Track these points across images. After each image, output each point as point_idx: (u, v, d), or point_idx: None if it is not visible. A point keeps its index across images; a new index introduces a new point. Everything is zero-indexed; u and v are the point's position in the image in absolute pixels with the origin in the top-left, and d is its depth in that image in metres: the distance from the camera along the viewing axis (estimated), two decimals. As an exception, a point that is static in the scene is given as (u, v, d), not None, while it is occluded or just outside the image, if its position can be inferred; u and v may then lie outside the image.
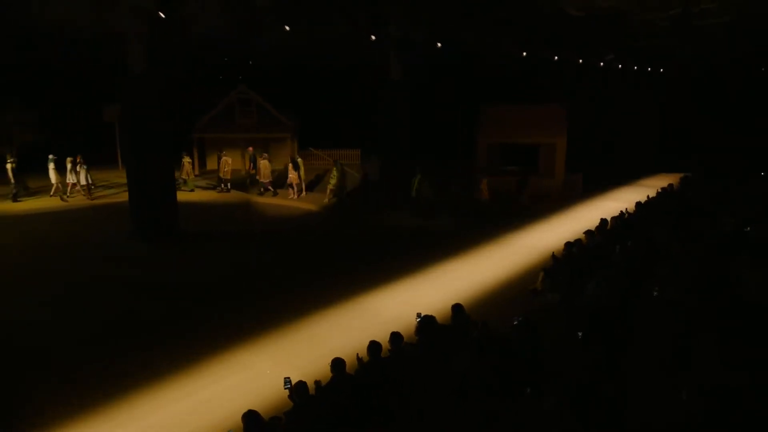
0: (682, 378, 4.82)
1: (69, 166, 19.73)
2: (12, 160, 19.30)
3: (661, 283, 8.11)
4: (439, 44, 19.22)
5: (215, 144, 26.05)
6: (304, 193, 21.67)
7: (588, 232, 12.03)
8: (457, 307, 7.36)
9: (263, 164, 21.61)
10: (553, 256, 11.28)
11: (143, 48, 15.25)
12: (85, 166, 19.88)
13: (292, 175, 21.21)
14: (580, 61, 23.99)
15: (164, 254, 15.25)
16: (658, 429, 4.40)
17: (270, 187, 21.73)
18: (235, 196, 22.03)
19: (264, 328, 10.26)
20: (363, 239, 16.67)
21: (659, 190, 17.14)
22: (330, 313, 11.00)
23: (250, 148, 23.45)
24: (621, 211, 13.92)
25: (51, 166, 19.59)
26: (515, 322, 6.43)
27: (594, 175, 23.12)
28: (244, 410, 7.32)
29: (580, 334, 5.90)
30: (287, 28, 17.79)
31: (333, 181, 20.82)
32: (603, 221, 12.71)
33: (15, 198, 19.38)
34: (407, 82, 22.18)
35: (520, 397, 4.73)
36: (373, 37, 18.93)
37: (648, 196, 16.75)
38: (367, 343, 8.81)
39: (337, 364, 6.15)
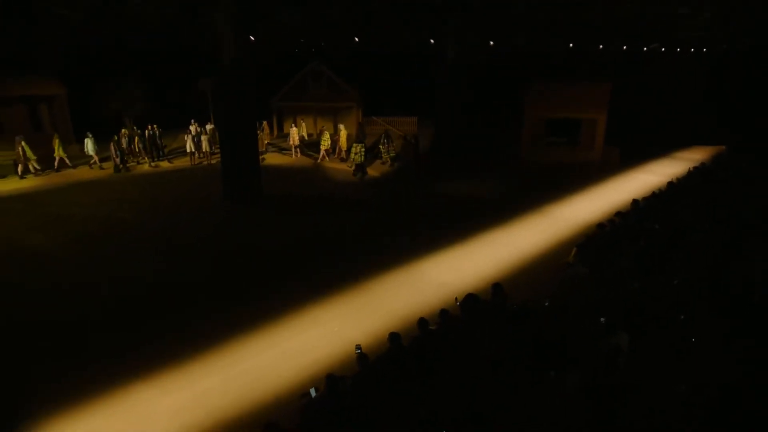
0: (683, 370, 5.15)
1: (192, 131, 20.89)
2: (126, 132, 20.42)
3: (676, 269, 8.19)
4: (491, 42, 18.82)
5: (291, 111, 27.00)
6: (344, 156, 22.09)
7: (619, 213, 12.08)
8: (496, 286, 7.58)
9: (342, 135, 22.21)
10: (587, 234, 11.50)
11: (233, 36, 15.85)
12: (206, 134, 21.13)
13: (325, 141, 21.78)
14: (624, 47, 22.84)
15: (251, 216, 15.82)
16: (656, 418, 4.68)
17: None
18: (304, 160, 22.43)
19: (334, 289, 10.71)
20: (417, 206, 16.90)
21: (691, 168, 16.60)
22: (390, 276, 11.45)
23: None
24: (653, 192, 13.74)
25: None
26: (546, 303, 6.84)
27: (632, 149, 22.45)
28: (317, 364, 8.10)
29: (603, 319, 6.26)
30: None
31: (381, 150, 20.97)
32: (635, 202, 12.65)
33: (122, 166, 19.96)
34: (462, 60, 22.00)
35: (546, 376, 5.22)
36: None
37: (674, 180, 16.26)
38: (420, 306, 9.48)
39: (394, 337, 6.54)
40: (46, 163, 19.47)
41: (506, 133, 24.95)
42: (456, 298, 7.28)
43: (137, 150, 21.14)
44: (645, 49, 24.77)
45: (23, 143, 18.44)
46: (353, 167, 20.36)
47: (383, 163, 21.62)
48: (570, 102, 21.59)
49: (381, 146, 21.95)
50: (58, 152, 19.45)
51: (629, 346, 5.54)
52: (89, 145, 19.32)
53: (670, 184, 14.63)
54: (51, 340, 9.20)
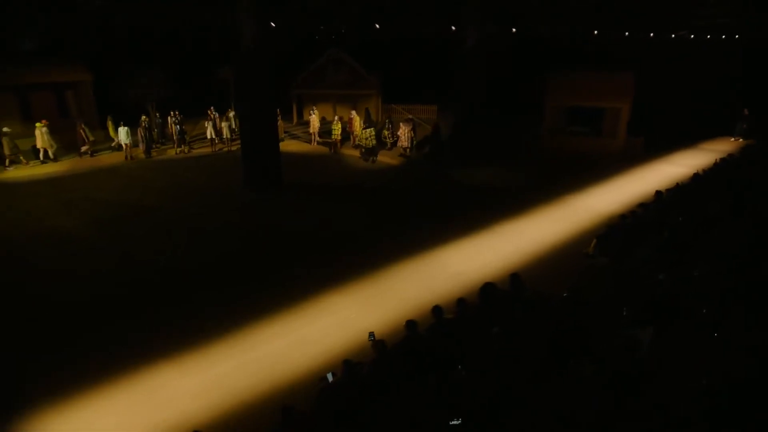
0: (705, 364, 5.05)
1: (214, 116, 21.10)
2: (147, 119, 20.68)
3: (700, 262, 8.03)
4: (513, 29, 18.51)
5: (310, 99, 26.97)
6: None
7: (642, 204, 11.85)
8: (514, 276, 7.56)
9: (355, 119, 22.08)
10: (608, 225, 11.32)
11: (253, 22, 15.83)
12: (227, 120, 21.31)
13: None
14: (651, 35, 22.20)
15: (270, 202, 15.92)
16: (677, 411, 4.60)
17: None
18: (321, 148, 22.34)
19: (350, 277, 10.78)
20: (435, 194, 16.82)
21: (718, 160, 16.16)
22: (406, 265, 11.46)
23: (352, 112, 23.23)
24: (677, 183, 13.44)
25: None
26: (565, 294, 6.77)
27: (656, 139, 21.93)
28: (332, 350, 8.17)
29: (625, 310, 6.16)
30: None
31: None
32: (658, 193, 12.40)
33: (148, 152, 20.20)
34: (483, 47, 21.64)
35: (564, 367, 5.19)
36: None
37: (700, 171, 15.83)
38: (437, 295, 9.45)
39: (411, 325, 6.56)
40: (72, 149, 19.81)
41: (527, 121, 24.57)
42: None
43: (156, 137, 21.40)
44: (673, 36, 24.04)
45: (83, 126, 19.41)
46: (363, 151, 20.32)
47: (389, 149, 21.47)
48: (593, 90, 21.15)
49: (385, 131, 21.88)
50: (113, 134, 20.19)
51: (653, 339, 5.44)
52: (122, 133, 19.57)
53: (695, 175, 14.28)
54: (74, 321, 9.45)
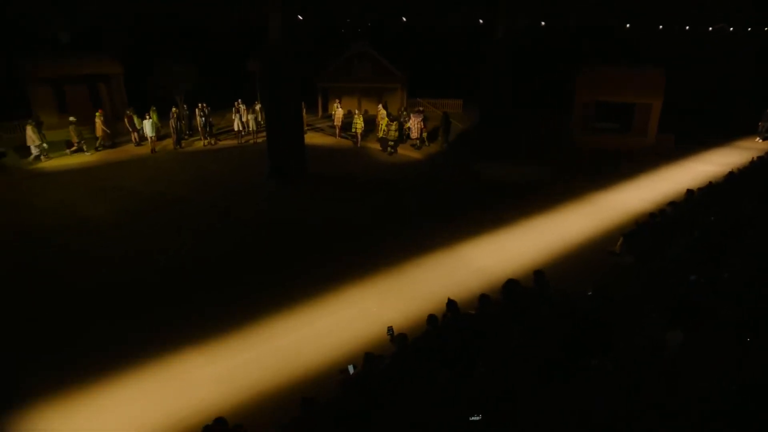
0: (735, 370, 4.88)
1: (240, 109, 21.38)
2: (177, 110, 21.03)
3: (732, 263, 7.77)
4: (543, 23, 18.12)
5: (335, 92, 27.01)
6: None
7: (672, 203, 11.52)
8: (538, 273, 7.48)
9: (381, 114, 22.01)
10: (636, 223, 11.05)
11: (281, 16, 15.92)
12: (253, 113, 21.55)
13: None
14: (687, 27, 21.43)
15: (293, 194, 16.06)
16: (702, 415, 4.48)
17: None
18: (345, 141, 22.30)
19: (372, 269, 10.83)
20: (458, 189, 16.70)
21: (754, 159, 15.60)
22: (428, 259, 11.44)
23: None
24: (709, 182, 13.02)
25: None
26: (589, 293, 6.65)
27: (689, 136, 21.30)
28: (352, 342, 8.19)
29: (651, 311, 6.01)
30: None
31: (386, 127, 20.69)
32: (689, 192, 12.04)
33: (178, 143, 20.57)
34: (511, 41, 21.35)
35: (586, 366, 5.09)
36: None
37: (734, 170, 15.32)
38: (458, 290, 9.39)
39: (432, 320, 6.54)
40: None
41: (554, 116, 24.15)
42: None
43: (185, 129, 21.76)
44: (710, 29, 23.18)
45: (133, 114, 20.16)
46: (383, 144, 20.38)
47: (413, 145, 21.36)
48: (624, 86, 20.64)
49: (407, 124, 21.77)
50: (138, 125, 20.63)
51: (682, 343, 5.29)
52: (147, 126, 19.95)
53: (730, 174, 13.81)
54: (111, 306, 9.73)
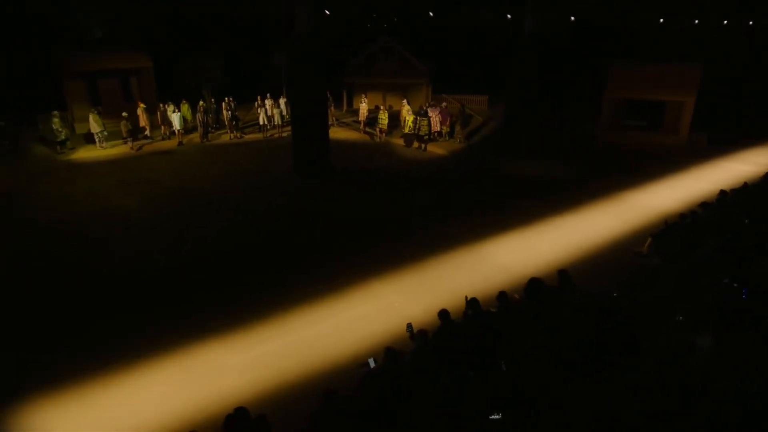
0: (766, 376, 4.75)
1: (266, 103, 21.63)
2: (204, 103, 21.36)
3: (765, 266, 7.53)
4: (572, 17, 17.81)
5: (360, 87, 27.02)
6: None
7: (703, 204, 11.22)
8: (562, 273, 7.38)
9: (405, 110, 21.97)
10: (666, 223, 10.80)
11: (307, 9, 16.00)
12: (278, 107, 21.80)
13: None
14: (725, 22, 20.76)
15: (318, 188, 16.16)
16: (731, 420, 4.37)
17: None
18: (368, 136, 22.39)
19: (394, 264, 10.83)
20: (483, 185, 16.60)
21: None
22: (452, 255, 11.40)
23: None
24: (744, 183, 12.61)
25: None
26: (615, 294, 6.54)
27: (723, 135, 20.66)
28: (374, 336, 8.22)
29: (680, 317, 5.86)
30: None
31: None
32: (722, 192, 11.70)
33: (205, 136, 21.00)
34: (539, 36, 20.99)
35: (609, 367, 5.02)
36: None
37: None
38: (481, 288, 9.35)
39: (444, 315, 6.50)
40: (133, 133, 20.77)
41: (583, 113, 23.72)
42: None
43: (212, 122, 22.08)
44: (750, 23, 22.37)
45: (168, 107, 20.46)
46: (426, 138, 20.33)
47: (432, 139, 21.26)
48: (656, 83, 20.13)
49: (422, 120, 21.65)
50: (188, 116, 21.19)
51: (712, 348, 5.15)
52: (176, 119, 20.32)
53: (767, 174, 13.36)
54: (144, 294, 10.01)
